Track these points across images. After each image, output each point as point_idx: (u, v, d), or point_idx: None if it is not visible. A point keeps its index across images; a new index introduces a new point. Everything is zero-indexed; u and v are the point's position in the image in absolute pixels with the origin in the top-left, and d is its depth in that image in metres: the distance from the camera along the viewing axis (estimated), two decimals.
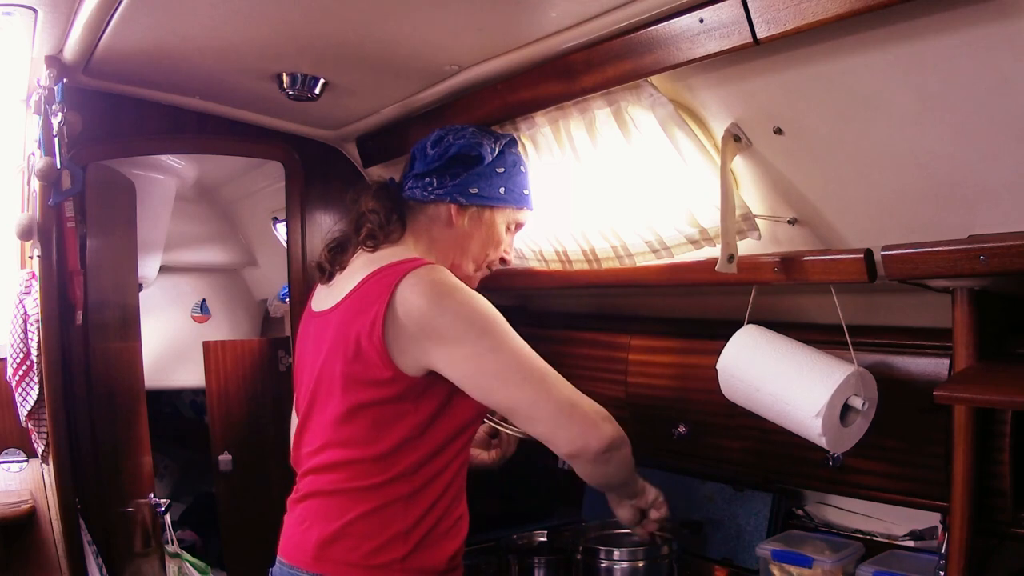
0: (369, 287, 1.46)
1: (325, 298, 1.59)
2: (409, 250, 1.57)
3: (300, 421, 1.57)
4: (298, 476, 1.55)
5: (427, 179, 1.59)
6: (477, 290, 1.54)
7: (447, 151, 1.57)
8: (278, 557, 1.52)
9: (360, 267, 1.53)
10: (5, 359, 2.63)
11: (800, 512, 1.99)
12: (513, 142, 1.66)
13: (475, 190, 1.59)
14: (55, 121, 2.07)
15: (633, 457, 1.56)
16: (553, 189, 1.86)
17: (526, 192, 1.66)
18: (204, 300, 3.89)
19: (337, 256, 1.60)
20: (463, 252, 1.63)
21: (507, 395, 1.43)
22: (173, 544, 2.40)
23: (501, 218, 1.64)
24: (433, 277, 1.44)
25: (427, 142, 1.63)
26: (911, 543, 1.77)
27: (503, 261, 1.69)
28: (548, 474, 2.53)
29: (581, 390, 2.25)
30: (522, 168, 1.66)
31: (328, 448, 1.48)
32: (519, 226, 1.69)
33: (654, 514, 1.69)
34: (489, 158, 1.59)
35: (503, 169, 1.62)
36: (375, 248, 1.56)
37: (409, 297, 1.41)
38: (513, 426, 1.79)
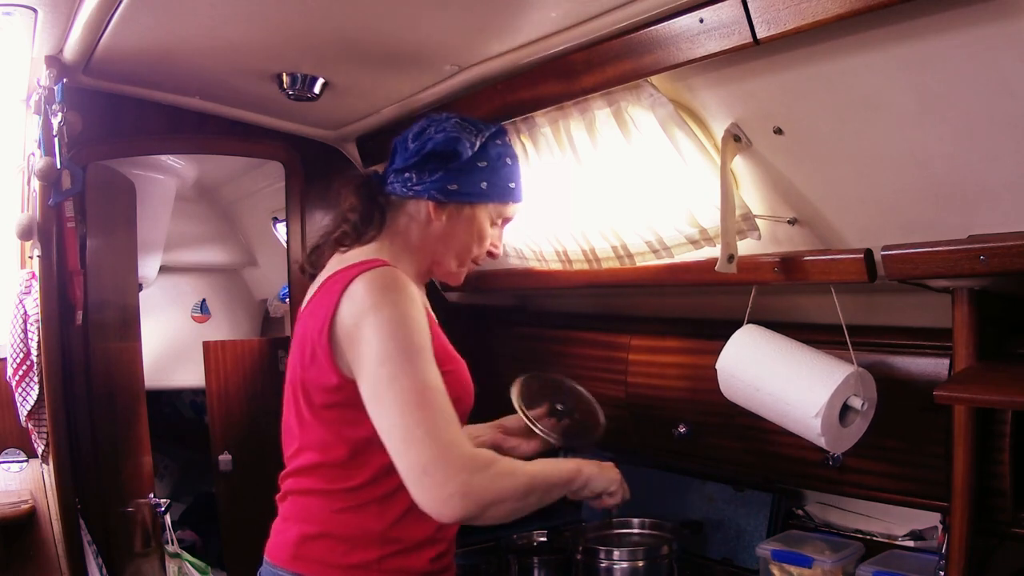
0: (325, 289, 1.45)
1: (306, 299, 1.60)
2: (378, 250, 1.52)
3: (283, 424, 1.58)
4: (282, 477, 1.56)
5: (406, 174, 1.53)
6: (464, 282, 1.56)
7: (424, 146, 1.51)
8: (264, 556, 1.53)
9: (329, 268, 1.52)
10: (5, 359, 2.63)
11: (800, 512, 1.99)
12: (499, 133, 1.57)
13: (454, 186, 1.52)
14: (55, 121, 2.07)
15: (527, 497, 1.38)
16: (553, 189, 1.86)
17: (512, 185, 1.57)
18: (204, 300, 3.90)
19: (315, 258, 1.58)
20: (445, 249, 1.57)
21: (383, 428, 1.32)
22: (173, 544, 2.41)
23: (483, 213, 1.56)
24: (377, 283, 1.38)
25: (409, 134, 1.56)
26: (911, 543, 1.77)
27: (491, 254, 1.62)
28: None
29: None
30: (507, 160, 1.57)
31: (300, 451, 1.48)
32: (507, 220, 1.62)
33: (607, 500, 1.60)
34: (468, 153, 1.51)
35: (485, 163, 1.53)
36: (348, 249, 1.53)
37: (350, 301, 1.37)
38: (547, 431, 1.78)
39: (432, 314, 1.53)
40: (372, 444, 1.37)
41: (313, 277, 1.58)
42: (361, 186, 1.58)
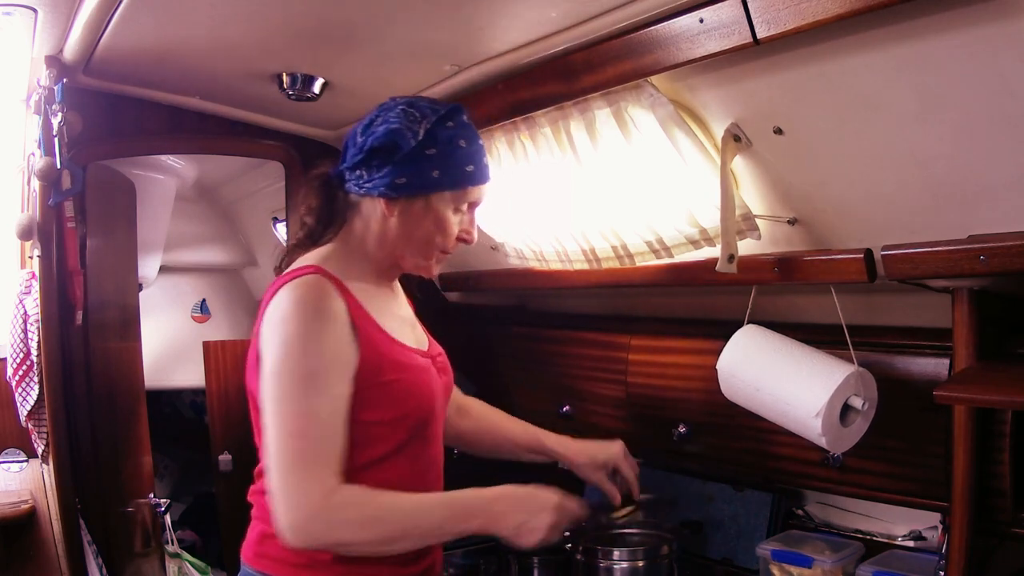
0: (265, 296, 1.44)
1: None
2: (329, 252, 1.49)
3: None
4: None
5: (357, 172, 1.46)
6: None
7: (366, 143, 1.43)
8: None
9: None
10: (5, 359, 2.63)
11: (800, 512, 1.99)
12: (451, 114, 1.44)
13: (403, 180, 1.42)
14: (55, 121, 2.07)
15: (384, 545, 1.34)
16: (553, 189, 1.86)
17: (470, 168, 1.45)
18: (204, 300, 3.90)
19: (286, 263, 1.56)
20: (405, 245, 1.48)
21: (265, 442, 1.32)
22: (173, 544, 2.41)
23: (441, 203, 1.45)
24: (291, 297, 1.36)
25: (359, 127, 1.47)
26: (911, 543, 1.77)
27: (463, 241, 1.51)
28: (548, 474, 2.53)
29: (581, 390, 2.27)
30: (461, 143, 1.44)
31: (260, 451, 1.47)
32: (474, 204, 1.51)
33: (528, 537, 1.42)
34: (411, 143, 1.41)
35: (435, 150, 1.42)
36: (307, 250, 1.51)
37: (270, 311, 1.38)
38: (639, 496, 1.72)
39: (381, 319, 1.45)
40: None
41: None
42: (320, 185, 1.53)
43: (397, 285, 1.61)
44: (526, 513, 1.41)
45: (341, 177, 1.51)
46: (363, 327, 1.40)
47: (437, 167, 1.43)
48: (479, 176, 1.48)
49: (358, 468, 1.37)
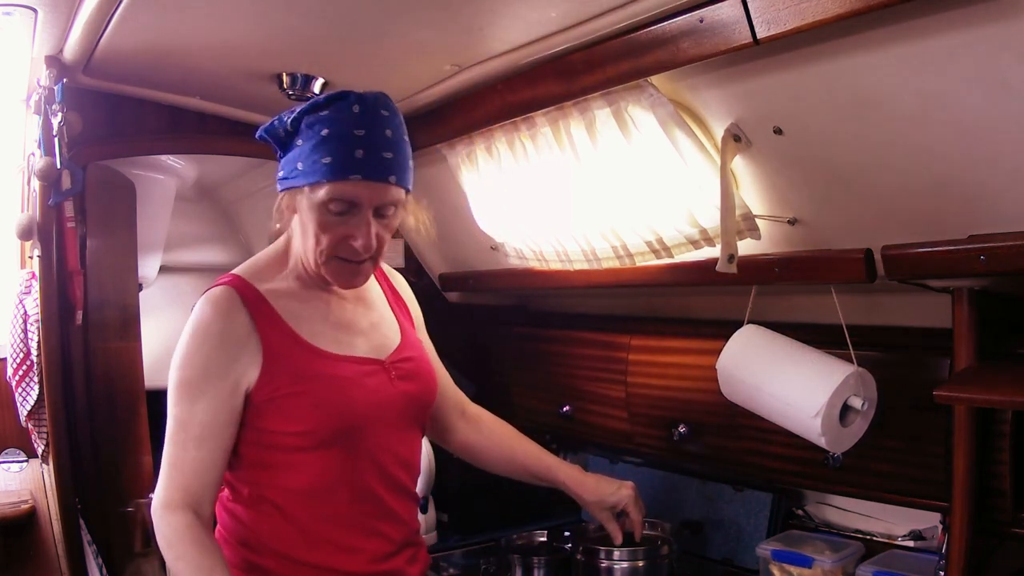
0: None
1: None
2: (259, 256, 1.52)
3: None
4: None
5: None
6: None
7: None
8: None
9: None
10: (5, 359, 2.63)
11: (800, 512, 1.99)
12: (328, 103, 1.32)
13: (281, 173, 1.38)
14: (55, 121, 2.07)
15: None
16: (553, 189, 1.86)
17: (327, 160, 1.29)
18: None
19: None
20: (302, 242, 1.41)
21: None
22: None
23: (305, 199, 1.35)
24: (196, 308, 1.41)
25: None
26: (911, 543, 1.76)
27: (363, 247, 1.35)
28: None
29: (581, 390, 2.27)
30: (324, 132, 1.30)
31: None
32: (354, 204, 1.32)
33: None
34: (280, 133, 1.36)
35: (301, 141, 1.33)
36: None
37: None
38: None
39: (290, 327, 1.40)
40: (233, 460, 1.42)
41: None
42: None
43: (362, 290, 1.51)
44: None
45: None
46: (268, 338, 1.38)
47: (301, 159, 1.33)
48: (337, 170, 1.29)
49: (273, 472, 1.40)
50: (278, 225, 1.48)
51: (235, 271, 1.46)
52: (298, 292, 1.45)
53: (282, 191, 1.40)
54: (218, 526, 1.45)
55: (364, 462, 1.42)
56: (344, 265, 1.39)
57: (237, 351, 1.37)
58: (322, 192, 1.32)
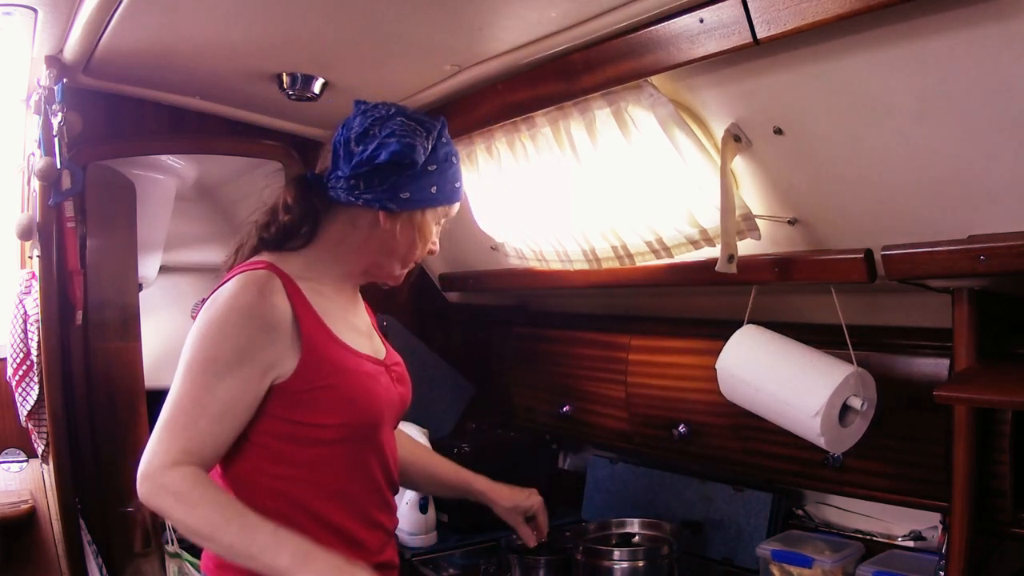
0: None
1: None
2: (296, 255, 1.48)
3: None
4: None
5: (352, 182, 1.44)
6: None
7: (376, 156, 1.40)
8: None
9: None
10: (5, 359, 2.63)
11: (800, 512, 1.99)
12: (443, 128, 1.49)
13: (407, 195, 1.44)
14: (55, 121, 2.07)
15: (206, 542, 1.32)
16: (553, 189, 1.86)
17: (457, 185, 1.51)
18: (204, 300, 3.89)
19: (236, 257, 1.58)
20: (390, 255, 1.50)
21: None
22: (173, 544, 2.40)
23: (432, 217, 1.50)
24: (232, 286, 1.39)
25: (350, 134, 1.45)
26: (911, 543, 1.76)
27: (431, 253, 1.55)
28: (548, 474, 2.53)
29: (581, 390, 2.27)
30: (453, 160, 1.49)
31: None
32: (448, 216, 1.55)
33: None
34: (422, 159, 1.43)
35: (435, 166, 1.46)
36: (275, 250, 1.50)
37: (214, 295, 1.42)
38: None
39: (323, 321, 1.43)
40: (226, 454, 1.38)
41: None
42: (298, 186, 1.52)
43: (358, 295, 1.60)
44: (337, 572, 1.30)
45: (322, 182, 1.49)
46: (308, 328, 1.40)
47: (435, 183, 1.46)
48: (461, 192, 1.54)
49: (297, 465, 1.40)
50: (362, 239, 1.50)
51: (263, 259, 1.45)
52: (324, 289, 1.48)
53: (409, 209, 1.46)
54: None
55: (375, 456, 1.48)
56: (412, 267, 1.57)
57: (275, 336, 1.37)
58: (450, 210, 1.53)
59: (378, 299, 1.65)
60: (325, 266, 1.49)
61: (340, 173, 1.45)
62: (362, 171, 1.42)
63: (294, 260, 1.47)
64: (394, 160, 1.40)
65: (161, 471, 1.29)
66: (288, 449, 1.40)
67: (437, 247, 1.56)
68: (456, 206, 1.54)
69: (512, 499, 1.80)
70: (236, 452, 1.39)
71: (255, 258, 1.47)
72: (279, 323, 1.37)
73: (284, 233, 1.49)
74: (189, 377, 1.35)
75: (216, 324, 1.37)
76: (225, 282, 1.41)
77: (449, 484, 1.82)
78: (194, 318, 1.45)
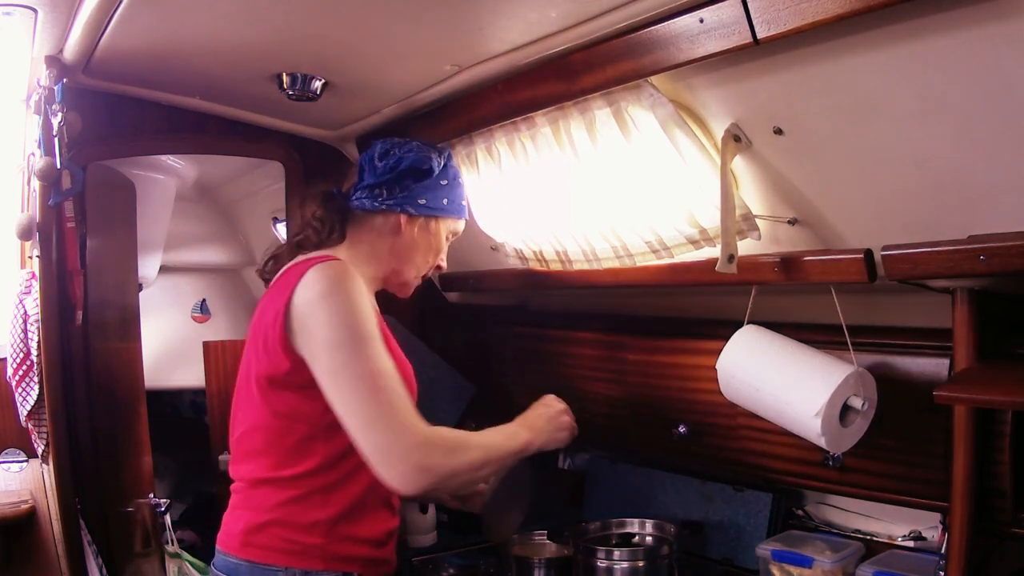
0: (280, 282, 1.53)
1: None
2: (340, 255, 1.60)
3: (232, 414, 1.62)
4: (232, 467, 1.60)
5: (376, 190, 1.65)
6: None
7: (399, 163, 1.63)
8: (216, 546, 1.56)
9: (286, 267, 1.58)
10: (5, 359, 2.63)
11: (800, 512, 1.99)
12: (450, 154, 1.74)
13: (423, 201, 1.66)
14: (55, 121, 2.07)
15: (482, 468, 1.50)
16: (553, 189, 1.86)
17: (463, 203, 1.75)
18: (204, 300, 3.89)
19: (273, 263, 1.67)
20: (407, 260, 1.69)
21: (340, 417, 1.40)
22: (173, 544, 2.40)
23: (444, 228, 1.71)
24: (329, 272, 1.46)
25: (373, 154, 1.67)
26: (911, 543, 1.77)
27: (438, 268, 1.76)
28: (548, 474, 2.53)
29: (581, 390, 2.27)
30: (460, 180, 1.74)
31: (246, 438, 1.54)
32: (455, 235, 1.76)
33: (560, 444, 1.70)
34: (437, 170, 1.66)
35: (446, 181, 1.69)
36: (306, 252, 1.61)
37: (303, 289, 1.45)
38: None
39: (382, 318, 1.57)
40: (320, 432, 1.46)
41: (266, 281, 1.66)
42: (323, 199, 1.68)
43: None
44: (552, 419, 1.68)
45: (344, 196, 1.69)
46: (379, 320, 1.53)
47: (447, 196, 1.69)
48: (466, 211, 1.77)
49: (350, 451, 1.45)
50: (386, 239, 1.67)
51: (326, 254, 1.57)
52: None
53: (425, 215, 1.67)
54: (276, 527, 1.47)
55: None
56: (421, 280, 1.75)
57: (375, 316, 1.51)
58: (456, 225, 1.75)
59: (379, 299, 1.67)
60: (357, 270, 1.57)
61: (365, 183, 1.66)
62: (385, 179, 1.64)
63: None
64: (414, 166, 1.64)
65: (432, 439, 1.41)
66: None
67: (445, 264, 1.76)
68: (462, 223, 1.76)
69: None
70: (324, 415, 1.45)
71: (315, 253, 1.57)
72: (371, 302, 1.54)
73: (317, 237, 1.63)
74: (365, 363, 1.40)
75: (352, 307, 1.44)
76: (300, 277, 1.46)
77: None
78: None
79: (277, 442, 1.49)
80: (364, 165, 1.68)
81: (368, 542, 1.52)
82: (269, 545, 1.46)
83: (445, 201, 1.69)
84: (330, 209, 1.66)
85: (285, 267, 1.58)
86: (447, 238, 1.74)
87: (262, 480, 1.50)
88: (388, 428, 1.36)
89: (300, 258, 1.57)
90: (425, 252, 1.70)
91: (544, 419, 1.67)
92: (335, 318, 1.42)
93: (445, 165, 1.69)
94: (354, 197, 1.67)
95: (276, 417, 1.49)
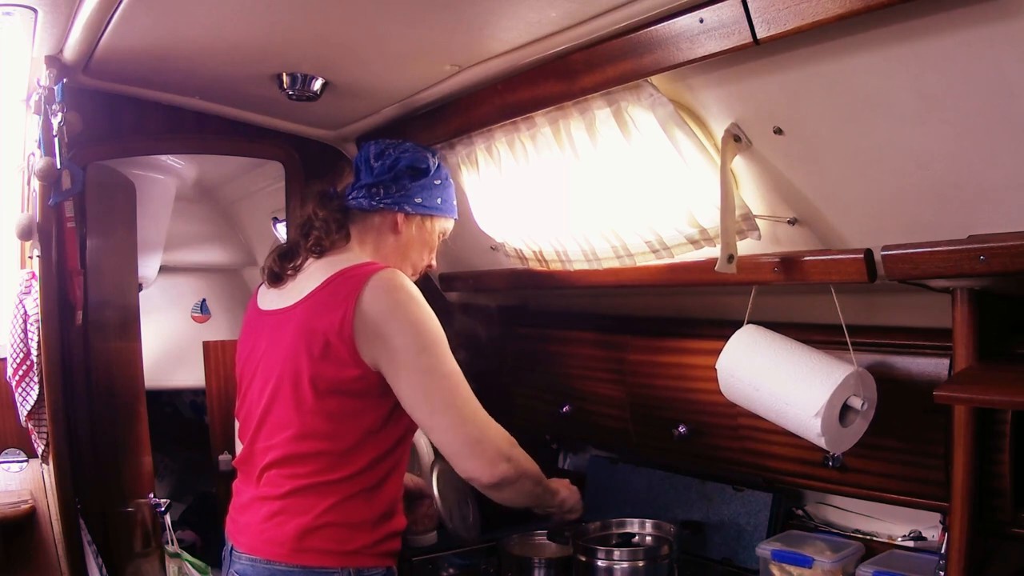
0: (335, 287, 1.55)
1: (276, 299, 1.66)
2: (360, 255, 1.66)
3: (258, 416, 1.60)
4: (256, 471, 1.59)
5: (374, 189, 1.69)
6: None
7: (396, 163, 1.68)
8: (243, 554, 1.56)
9: (318, 270, 1.62)
10: (5, 359, 2.63)
11: (800, 512, 1.99)
12: (440, 156, 1.80)
13: (419, 200, 1.71)
14: (55, 121, 2.06)
15: (537, 486, 1.69)
16: (553, 189, 1.86)
17: (454, 203, 1.82)
18: (204, 300, 3.89)
19: (286, 262, 1.68)
20: (403, 258, 1.73)
21: (426, 415, 1.52)
22: (173, 544, 2.40)
23: (437, 227, 1.78)
24: (397, 282, 1.55)
25: (369, 154, 1.71)
26: (911, 543, 1.77)
27: (428, 267, 1.81)
28: (548, 474, 2.53)
29: (581, 390, 2.27)
30: (451, 181, 1.81)
31: (292, 443, 1.54)
32: (444, 234, 1.83)
33: (569, 516, 1.85)
34: (432, 170, 1.72)
35: (439, 181, 1.75)
36: (321, 254, 1.64)
37: (374, 297, 1.51)
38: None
39: None
40: (370, 436, 1.53)
41: (279, 280, 1.66)
42: (321, 199, 1.71)
43: None
44: (574, 496, 1.82)
45: (342, 195, 1.72)
46: None
47: (440, 195, 1.75)
48: (456, 211, 1.82)
49: (404, 432, 1.60)
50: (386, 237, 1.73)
51: (370, 261, 1.64)
52: None
53: (421, 214, 1.73)
54: (331, 529, 1.51)
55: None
56: (416, 278, 1.76)
57: None
58: (447, 225, 1.81)
59: None
60: None
61: (363, 183, 1.70)
62: (383, 178, 1.68)
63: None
64: (412, 165, 1.69)
65: (511, 439, 1.56)
66: (391, 424, 1.57)
67: (435, 264, 1.82)
68: (452, 223, 1.83)
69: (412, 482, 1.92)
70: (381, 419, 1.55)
71: (356, 262, 1.61)
72: None
73: (319, 242, 1.66)
74: (448, 363, 1.54)
75: (428, 314, 1.55)
76: (365, 283, 1.52)
77: None
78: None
79: (331, 446, 1.52)
80: (360, 165, 1.72)
81: (400, 534, 1.62)
82: (324, 548, 1.49)
83: (439, 200, 1.74)
84: (330, 209, 1.69)
85: (317, 272, 1.60)
86: (439, 237, 1.79)
87: (310, 485, 1.52)
88: (483, 422, 1.53)
89: (333, 266, 1.59)
90: (420, 250, 1.76)
91: (576, 497, 1.83)
92: (415, 325, 1.51)
93: (438, 166, 1.75)
94: (351, 196, 1.71)
95: (331, 421, 1.52)
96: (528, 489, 1.64)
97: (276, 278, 1.67)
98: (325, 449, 1.51)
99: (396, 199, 1.69)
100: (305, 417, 1.52)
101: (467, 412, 1.52)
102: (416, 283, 1.83)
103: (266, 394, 1.58)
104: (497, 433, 1.55)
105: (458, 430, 1.51)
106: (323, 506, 1.50)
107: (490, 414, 1.79)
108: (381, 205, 1.69)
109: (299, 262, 1.66)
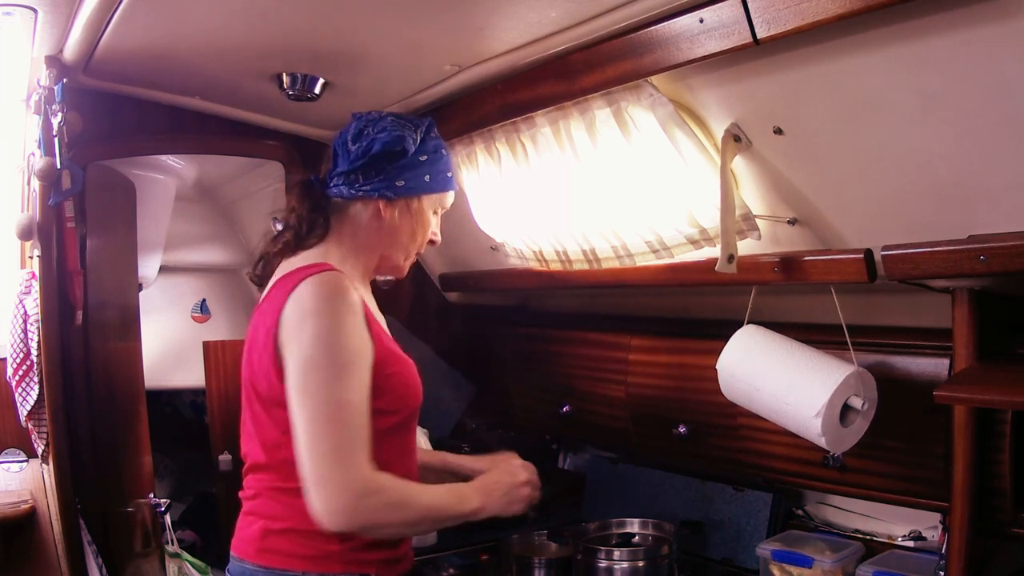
0: (273, 293, 1.49)
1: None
2: (324, 254, 1.55)
3: (241, 422, 1.59)
4: (244, 474, 1.58)
5: (352, 176, 1.56)
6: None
7: (370, 148, 1.54)
8: (231, 552, 1.55)
9: (280, 270, 1.56)
10: (5, 359, 2.63)
11: (800, 512, 1.99)
12: (431, 125, 1.62)
13: (402, 183, 1.56)
14: (55, 121, 2.06)
15: (418, 524, 1.54)
16: (553, 189, 1.86)
17: (449, 174, 1.63)
18: (204, 300, 3.88)
19: (263, 267, 1.63)
20: (393, 244, 1.61)
21: (300, 431, 1.37)
22: (173, 544, 2.40)
23: (428, 204, 1.62)
24: (320, 290, 1.42)
25: (347, 136, 1.58)
26: (911, 543, 1.77)
27: (432, 243, 1.67)
28: (548, 474, 2.53)
29: (581, 390, 2.27)
30: (443, 151, 1.62)
31: (254, 450, 1.51)
32: (444, 208, 1.67)
33: (516, 510, 1.61)
34: (412, 149, 1.55)
35: (426, 157, 1.58)
36: (293, 253, 1.57)
37: (294, 304, 1.41)
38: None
39: (375, 315, 1.54)
40: None
41: (262, 285, 1.62)
42: (303, 191, 1.62)
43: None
44: (510, 491, 1.58)
45: (323, 183, 1.61)
46: (370, 319, 1.48)
47: (428, 172, 1.58)
48: (454, 182, 1.66)
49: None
50: (368, 226, 1.59)
51: (319, 262, 1.52)
52: (359, 285, 1.56)
53: (406, 197, 1.57)
54: (293, 534, 1.44)
55: (413, 444, 1.60)
56: (415, 258, 1.68)
57: (365, 326, 1.45)
58: (444, 199, 1.64)
59: (379, 299, 1.66)
60: (352, 262, 1.57)
61: (339, 170, 1.58)
62: (359, 164, 1.54)
63: (335, 261, 1.55)
64: (386, 150, 1.53)
65: (366, 491, 1.36)
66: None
67: (439, 237, 1.67)
68: (450, 195, 1.65)
69: (492, 462, 1.75)
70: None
71: (301, 264, 1.51)
72: (362, 315, 1.45)
73: (297, 236, 1.58)
74: (329, 392, 1.37)
75: (337, 331, 1.40)
76: (292, 290, 1.43)
77: (430, 465, 1.80)
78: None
79: (287, 455, 1.43)
80: (338, 149, 1.60)
81: (384, 543, 1.50)
82: (286, 551, 1.45)
83: (427, 178, 1.58)
84: (309, 203, 1.59)
85: (280, 273, 1.54)
86: (435, 212, 1.64)
87: (273, 490, 1.48)
88: (336, 463, 1.34)
89: (291, 265, 1.52)
90: (412, 233, 1.62)
91: (502, 489, 1.58)
92: (316, 340, 1.39)
93: (423, 140, 1.58)
94: (331, 184, 1.60)
95: (279, 431, 1.44)
96: (397, 532, 1.49)
97: (253, 281, 1.66)
98: (283, 458, 1.44)
99: (376, 185, 1.54)
100: (260, 427, 1.49)
101: (328, 448, 1.34)
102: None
103: (243, 400, 1.57)
104: (354, 483, 1.34)
105: (313, 463, 1.34)
106: (284, 511, 1.45)
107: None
108: (360, 193, 1.55)
109: (271, 266, 1.60)
